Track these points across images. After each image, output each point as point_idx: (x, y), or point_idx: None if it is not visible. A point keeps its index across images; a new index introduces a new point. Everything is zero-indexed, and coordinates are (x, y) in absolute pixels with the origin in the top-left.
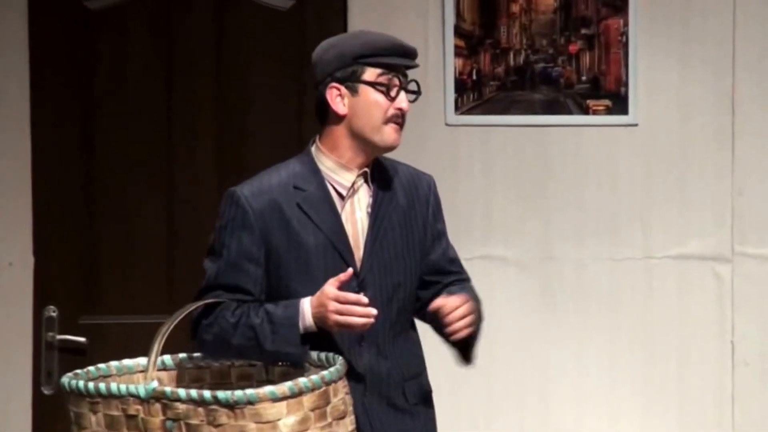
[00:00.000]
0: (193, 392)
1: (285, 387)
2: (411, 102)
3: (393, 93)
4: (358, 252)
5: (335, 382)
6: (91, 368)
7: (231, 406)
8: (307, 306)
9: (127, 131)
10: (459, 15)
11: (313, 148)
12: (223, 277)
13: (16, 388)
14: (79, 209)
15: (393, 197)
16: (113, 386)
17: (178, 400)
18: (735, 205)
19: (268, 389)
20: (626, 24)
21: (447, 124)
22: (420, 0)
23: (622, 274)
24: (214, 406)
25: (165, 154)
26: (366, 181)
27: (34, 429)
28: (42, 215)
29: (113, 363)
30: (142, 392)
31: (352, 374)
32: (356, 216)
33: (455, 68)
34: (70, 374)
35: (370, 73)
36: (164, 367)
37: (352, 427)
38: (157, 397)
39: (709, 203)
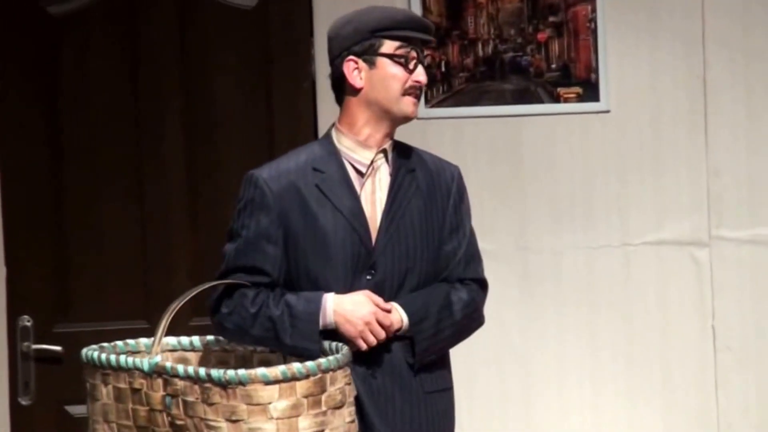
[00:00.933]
0: (190, 369)
1: (277, 370)
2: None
3: (411, 65)
4: (376, 232)
5: (333, 370)
6: (119, 343)
7: (223, 385)
8: (330, 303)
9: (95, 137)
10: (425, 7)
11: (333, 130)
12: (243, 258)
13: None
14: (50, 217)
15: (414, 181)
16: (122, 359)
17: (177, 376)
18: (710, 187)
19: (260, 371)
20: (594, 10)
21: (417, 118)
22: None
23: (599, 262)
24: (207, 385)
25: (134, 159)
26: (387, 160)
27: None
28: (11, 224)
29: (142, 339)
30: (146, 366)
31: (362, 358)
32: (376, 196)
33: None
34: (94, 346)
35: (388, 46)
36: (192, 348)
37: (350, 418)
38: (159, 372)
39: (685, 187)
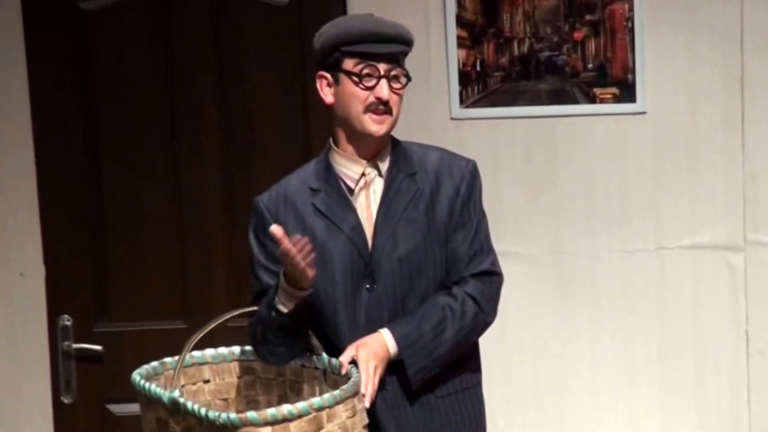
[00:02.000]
0: (195, 407)
1: (267, 413)
2: (401, 87)
3: (367, 83)
4: (371, 243)
5: (329, 407)
6: (163, 361)
7: (219, 428)
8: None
9: (131, 135)
10: (460, 4)
11: (328, 146)
12: (263, 283)
13: (35, 398)
14: (88, 216)
15: (413, 185)
16: (152, 389)
17: (187, 412)
18: (746, 192)
19: (250, 414)
20: (632, 9)
21: (452, 118)
22: None
23: (634, 266)
24: (207, 424)
25: (171, 157)
26: (379, 172)
27: None
28: (50, 224)
29: (209, 351)
30: (165, 399)
31: None
32: (371, 209)
33: (458, 60)
34: (144, 368)
35: (348, 63)
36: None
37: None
38: (175, 405)
39: (721, 191)
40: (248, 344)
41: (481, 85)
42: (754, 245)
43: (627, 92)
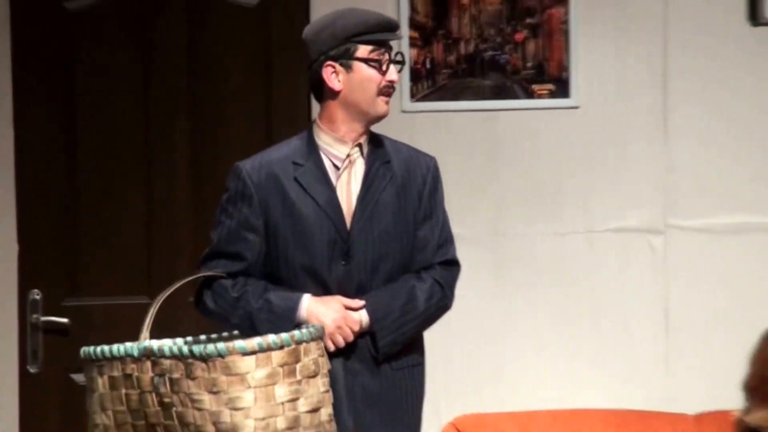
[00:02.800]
0: (174, 347)
1: (254, 342)
2: (400, 70)
3: (384, 67)
4: (351, 220)
5: (306, 342)
6: (120, 345)
7: (204, 359)
8: (305, 304)
9: (107, 125)
10: (413, 8)
11: (313, 127)
12: (225, 245)
13: (3, 367)
14: (62, 199)
15: (388, 172)
16: (114, 348)
17: (164, 356)
18: (667, 180)
19: (237, 343)
20: (567, 13)
21: (403, 111)
22: None
23: (567, 247)
24: (190, 360)
25: (143, 148)
26: (362, 154)
27: (21, 405)
28: (25, 204)
29: (129, 344)
30: (135, 351)
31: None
32: (351, 187)
33: (411, 58)
34: (97, 349)
35: (363, 51)
36: (206, 340)
37: (324, 388)
38: (147, 354)
39: (644, 179)
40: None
41: (431, 82)
42: (672, 229)
43: (562, 88)
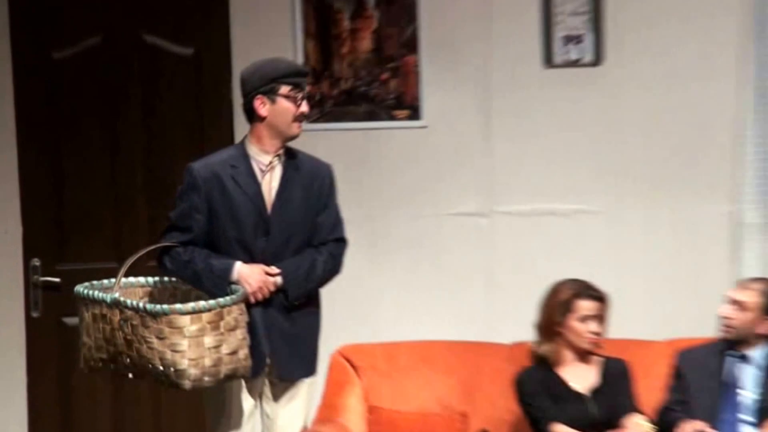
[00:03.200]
0: (134, 303)
1: (189, 306)
2: (308, 106)
3: (298, 102)
4: (271, 208)
5: (228, 305)
6: (105, 281)
7: (154, 315)
8: (236, 268)
9: (86, 144)
10: (306, 56)
11: (245, 140)
12: (179, 222)
13: (14, 313)
14: (53, 196)
15: (297, 174)
16: (95, 294)
17: (126, 307)
18: (491, 177)
19: (177, 306)
20: (418, 59)
21: (304, 131)
22: (283, 48)
23: (419, 227)
24: (144, 314)
25: (112, 157)
26: (280, 162)
27: (27, 339)
28: (26, 200)
29: (124, 279)
30: (108, 300)
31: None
32: (272, 185)
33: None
34: (85, 284)
35: (284, 89)
36: (155, 285)
37: (242, 336)
38: (116, 304)
39: (475, 176)
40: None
41: (321, 109)
42: (496, 213)
43: (415, 113)
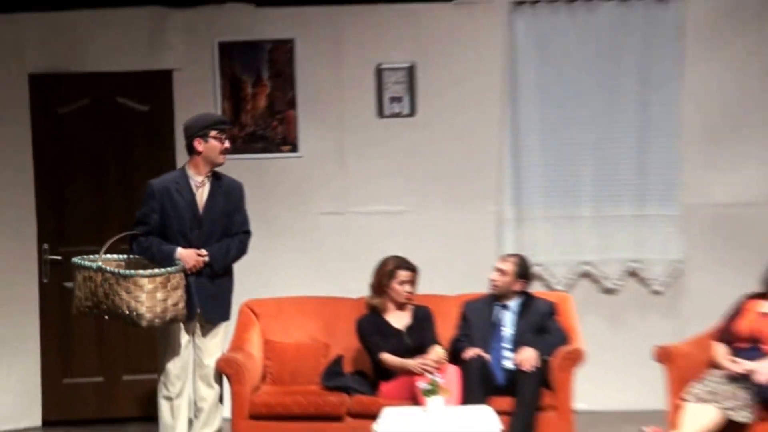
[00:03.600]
0: (111, 269)
1: (147, 272)
2: (230, 143)
3: (224, 141)
4: (202, 211)
5: (173, 273)
6: (92, 256)
7: (124, 277)
8: (179, 250)
9: (80, 172)
10: (224, 111)
11: (186, 166)
12: (142, 219)
13: (31, 281)
14: (56, 203)
15: (220, 188)
16: (85, 262)
17: (106, 272)
18: (345, 189)
19: (140, 272)
20: (296, 113)
21: (226, 162)
22: (209, 106)
23: (300, 223)
24: (118, 276)
25: (101, 178)
26: (209, 181)
27: (41, 299)
28: (41, 203)
29: (106, 255)
30: (93, 266)
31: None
32: (203, 196)
33: None
34: (79, 257)
35: (213, 133)
36: (126, 260)
37: (181, 294)
38: (99, 270)
39: (334, 188)
40: (130, 252)
41: (234, 146)
42: (350, 213)
43: (294, 148)
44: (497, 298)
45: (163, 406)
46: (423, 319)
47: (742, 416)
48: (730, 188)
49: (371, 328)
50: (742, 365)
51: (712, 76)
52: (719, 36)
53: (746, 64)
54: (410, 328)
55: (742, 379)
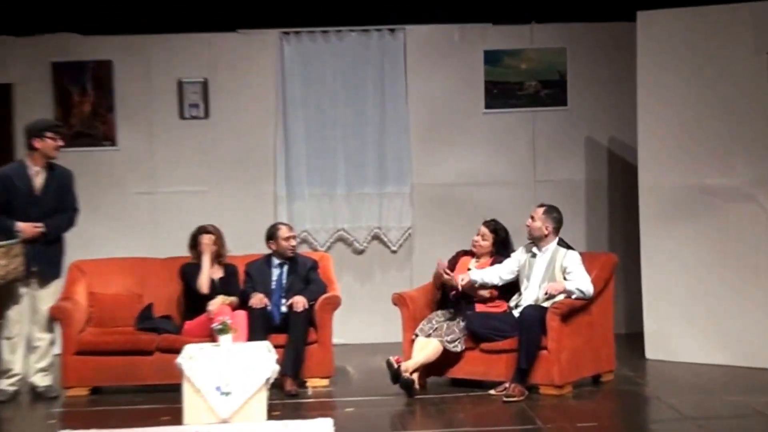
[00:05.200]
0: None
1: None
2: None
3: (57, 140)
4: (39, 193)
5: (12, 246)
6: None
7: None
8: (18, 225)
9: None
10: (57, 117)
11: (25, 159)
12: None
13: None
14: None
15: (53, 176)
16: None
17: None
18: (157, 172)
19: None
20: (114, 116)
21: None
22: (46, 112)
23: (134, 201)
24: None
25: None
26: (44, 170)
27: None
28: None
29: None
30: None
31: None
32: (39, 182)
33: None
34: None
35: (48, 134)
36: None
37: (20, 260)
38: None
39: (148, 172)
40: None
41: (66, 142)
42: (161, 193)
43: (113, 143)
44: (284, 259)
45: (4, 345)
46: (231, 273)
47: (453, 346)
48: (447, 172)
49: (192, 272)
50: (460, 279)
51: (430, 88)
52: (433, 57)
53: (456, 78)
54: (221, 279)
55: (456, 317)
